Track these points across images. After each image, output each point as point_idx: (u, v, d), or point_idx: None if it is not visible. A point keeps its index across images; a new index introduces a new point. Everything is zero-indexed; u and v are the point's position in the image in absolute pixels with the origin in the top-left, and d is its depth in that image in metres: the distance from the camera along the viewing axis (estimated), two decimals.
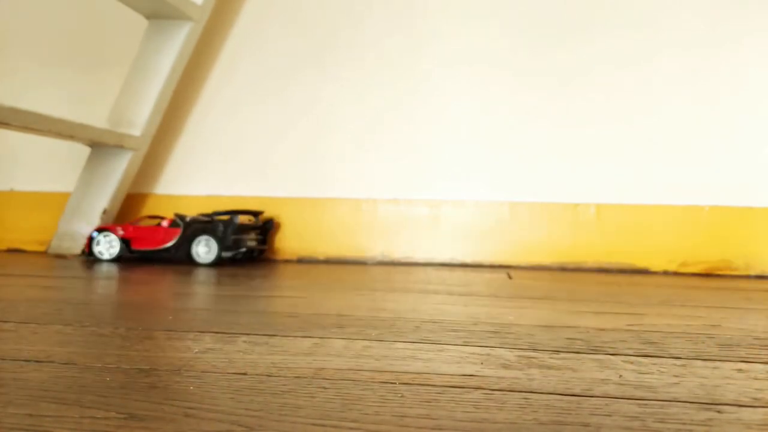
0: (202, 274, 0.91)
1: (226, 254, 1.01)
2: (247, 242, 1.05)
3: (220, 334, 0.48)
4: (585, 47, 1.11)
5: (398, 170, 1.17)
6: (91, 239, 1.05)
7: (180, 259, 1.03)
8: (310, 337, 0.48)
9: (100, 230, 1.05)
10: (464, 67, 1.15)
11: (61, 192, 1.22)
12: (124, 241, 1.04)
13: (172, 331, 0.50)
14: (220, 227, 1.01)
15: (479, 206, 1.14)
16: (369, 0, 1.18)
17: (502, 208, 1.13)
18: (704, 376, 0.38)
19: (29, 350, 0.43)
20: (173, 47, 1.11)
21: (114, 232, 1.04)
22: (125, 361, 0.40)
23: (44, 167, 1.26)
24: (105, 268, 0.95)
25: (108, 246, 1.04)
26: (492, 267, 1.11)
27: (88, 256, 1.06)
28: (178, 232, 1.03)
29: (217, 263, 1.01)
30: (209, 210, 1.21)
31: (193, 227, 1.02)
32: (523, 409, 0.32)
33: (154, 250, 1.04)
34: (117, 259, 1.04)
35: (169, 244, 1.03)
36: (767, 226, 1.06)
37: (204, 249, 1.01)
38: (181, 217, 1.04)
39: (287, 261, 1.17)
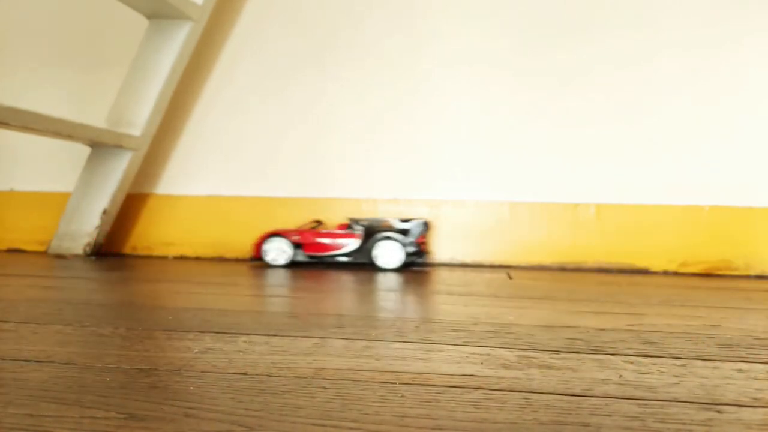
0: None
1: (410, 259, 0.99)
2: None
3: (220, 334, 0.48)
4: (585, 47, 1.11)
5: (398, 170, 1.17)
6: (262, 244, 1.03)
7: (359, 263, 1.02)
8: (310, 337, 0.48)
9: (272, 235, 1.03)
10: (464, 67, 1.15)
11: (61, 192, 1.22)
12: (298, 246, 1.02)
13: (172, 331, 0.49)
14: (406, 232, 1.00)
15: (479, 206, 1.14)
16: (369, 0, 1.18)
17: (502, 208, 1.13)
18: (704, 376, 0.38)
19: (29, 350, 0.43)
20: (173, 47, 1.11)
21: (288, 236, 1.02)
22: (125, 361, 0.40)
23: (44, 167, 1.26)
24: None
25: (281, 251, 1.02)
26: (492, 267, 1.11)
27: (257, 261, 1.04)
28: (356, 237, 1.01)
29: (399, 268, 1.00)
30: (208, 209, 1.21)
31: (376, 231, 1.01)
32: (523, 409, 0.32)
33: (331, 254, 1.02)
34: (289, 265, 1.02)
35: (348, 248, 1.01)
36: (767, 226, 1.06)
37: (388, 254, 0.99)
38: (357, 221, 1.03)
39: None
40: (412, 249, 0.99)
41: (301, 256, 1.02)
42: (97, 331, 0.49)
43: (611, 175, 1.11)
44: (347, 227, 1.03)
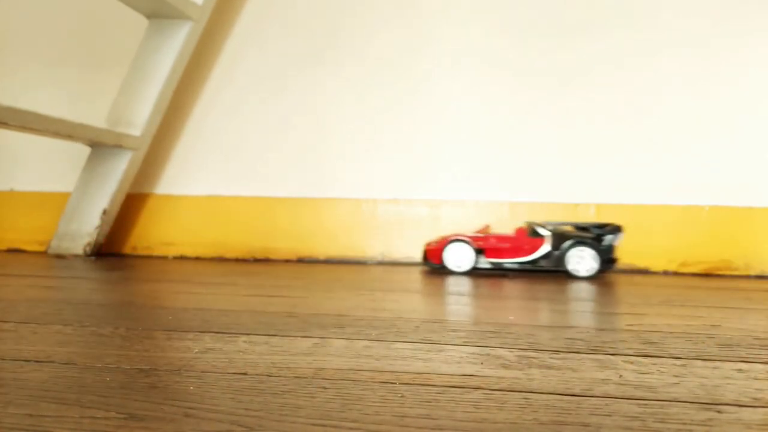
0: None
1: (605, 267, 0.93)
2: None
3: (220, 334, 0.48)
4: (585, 47, 1.11)
5: (398, 170, 1.17)
6: (442, 249, 0.97)
7: (548, 271, 0.97)
8: (310, 337, 0.48)
9: (453, 240, 0.97)
10: (464, 66, 1.15)
11: (61, 192, 1.22)
12: (479, 252, 0.97)
13: (172, 331, 0.49)
14: (602, 238, 0.94)
15: (479, 206, 1.14)
16: (369, 0, 1.18)
17: (502, 208, 1.13)
18: (704, 376, 0.38)
19: (29, 350, 0.43)
20: (173, 47, 1.11)
21: (471, 241, 0.97)
22: (125, 361, 0.40)
23: (44, 167, 1.26)
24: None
25: (463, 257, 0.97)
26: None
27: (438, 267, 0.98)
28: (542, 242, 0.95)
29: (592, 277, 0.94)
30: (208, 209, 1.21)
31: (569, 237, 0.94)
32: (523, 409, 0.32)
33: (517, 261, 0.96)
34: (470, 272, 0.97)
35: (536, 255, 0.96)
36: (767, 226, 1.06)
37: (583, 261, 0.94)
38: (541, 226, 0.97)
39: (287, 261, 1.17)
40: (607, 256, 0.93)
41: (484, 263, 0.97)
42: (97, 331, 0.49)
43: (611, 175, 1.11)
44: (530, 232, 0.97)
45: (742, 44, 1.07)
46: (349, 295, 0.72)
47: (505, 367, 0.40)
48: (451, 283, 0.86)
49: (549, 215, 1.11)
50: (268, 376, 0.37)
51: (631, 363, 0.41)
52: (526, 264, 0.96)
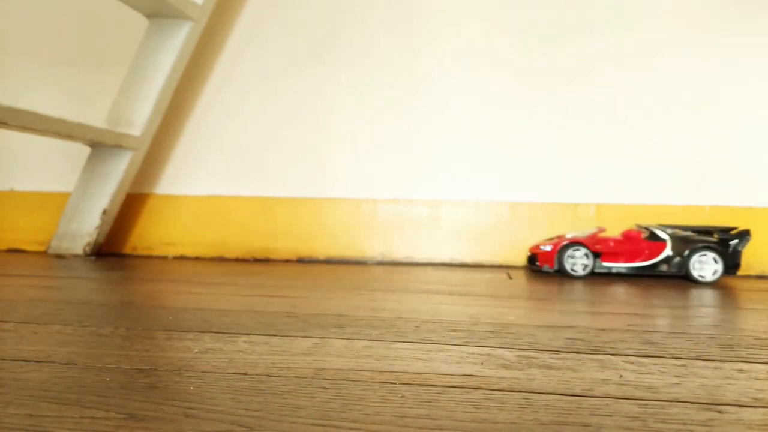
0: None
1: (729, 272, 0.91)
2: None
3: (220, 334, 0.48)
4: (585, 47, 1.11)
5: (398, 170, 1.17)
6: (561, 252, 0.94)
7: (670, 276, 0.95)
8: (310, 337, 0.48)
9: (571, 243, 0.94)
10: (464, 66, 1.15)
11: (61, 192, 1.22)
12: (596, 255, 0.94)
13: (172, 331, 0.49)
14: (728, 243, 0.91)
15: (479, 206, 1.14)
16: (369, 0, 1.18)
17: (502, 208, 1.13)
18: (705, 377, 0.38)
19: (29, 350, 0.43)
20: (173, 47, 1.11)
21: (588, 245, 0.94)
22: (125, 361, 0.40)
23: (44, 167, 1.26)
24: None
25: (581, 261, 0.94)
26: (492, 267, 1.11)
27: (557, 271, 0.96)
28: (663, 246, 0.93)
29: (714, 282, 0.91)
30: (208, 209, 1.21)
31: (692, 242, 0.92)
32: (524, 409, 0.32)
33: (637, 266, 0.94)
34: (588, 276, 0.95)
35: (657, 259, 0.93)
36: (767, 226, 1.06)
37: (708, 267, 0.91)
38: (659, 229, 0.94)
39: (287, 261, 1.17)
40: (732, 261, 0.90)
41: (602, 267, 0.94)
42: (97, 331, 0.49)
43: (611, 175, 1.11)
44: (650, 235, 0.94)
45: (742, 44, 1.07)
46: (349, 295, 0.72)
47: (505, 367, 0.40)
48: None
49: (549, 215, 1.11)
50: (268, 376, 0.37)
51: (632, 363, 0.41)
52: (646, 269, 0.94)
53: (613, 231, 1.02)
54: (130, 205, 1.22)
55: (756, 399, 0.34)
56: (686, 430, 0.29)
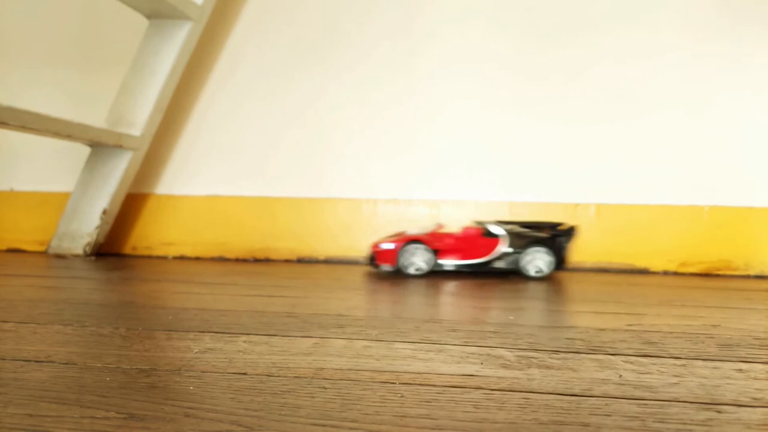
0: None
1: (559, 267, 0.93)
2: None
3: (220, 334, 0.48)
4: (585, 47, 1.11)
5: (398, 170, 1.17)
6: (398, 250, 0.93)
7: (505, 272, 0.95)
8: (310, 337, 0.48)
9: (409, 241, 0.93)
10: (464, 66, 1.15)
11: (61, 192, 1.22)
12: (435, 253, 0.93)
13: (172, 331, 0.49)
14: (557, 239, 0.93)
15: (479, 206, 1.14)
16: (369, 0, 1.18)
17: (502, 208, 1.13)
18: (704, 376, 0.38)
19: (29, 350, 0.43)
20: (173, 47, 1.11)
21: (427, 242, 0.93)
22: (125, 361, 0.40)
23: (44, 167, 1.26)
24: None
25: (421, 259, 0.93)
26: None
27: (385, 269, 0.94)
28: (498, 243, 0.93)
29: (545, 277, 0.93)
30: (208, 209, 1.21)
31: (525, 237, 0.93)
32: (523, 409, 0.32)
33: (474, 263, 0.93)
34: (426, 275, 0.94)
35: (493, 255, 0.93)
36: (767, 226, 1.06)
37: (541, 262, 0.93)
38: (494, 225, 0.95)
39: (287, 261, 1.17)
40: (561, 256, 0.93)
41: (440, 265, 0.94)
42: (97, 331, 0.49)
43: (611, 175, 1.11)
44: (485, 232, 0.95)
45: (742, 44, 1.07)
46: (349, 295, 0.72)
47: (505, 367, 0.40)
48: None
49: (549, 215, 1.11)
50: (268, 376, 0.37)
51: (631, 363, 0.41)
52: (482, 266, 0.94)
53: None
54: (130, 205, 1.22)
55: (755, 399, 0.34)
56: (685, 430, 0.29)
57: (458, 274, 0.96)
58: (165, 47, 1.11)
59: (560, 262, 0.94)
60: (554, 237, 0.94)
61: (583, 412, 0.31)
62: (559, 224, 0.97)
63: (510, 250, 0.93)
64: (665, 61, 1.09)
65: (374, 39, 1.18)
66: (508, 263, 0.94)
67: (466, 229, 0.96)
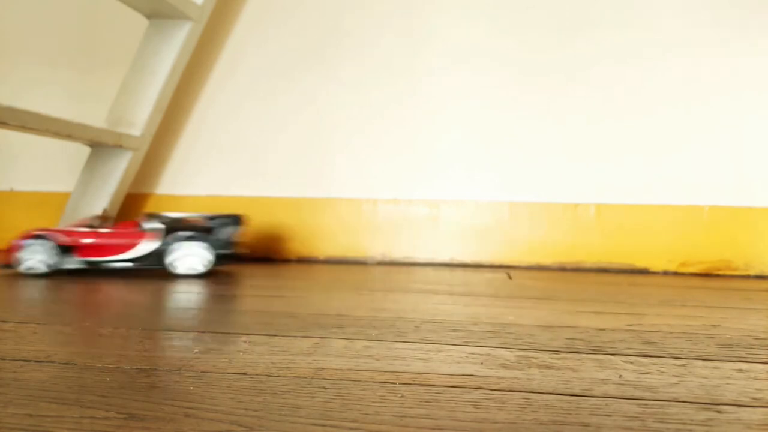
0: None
1: (220, 263, 0.87)
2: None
3: (219, 334, 0.48)
4: (585, 47, 1.11)
5: (398, 170, 1.17)
6: (18, 247, 0.85)
7: (151, 269, 0.87)
8: (310, 337, 0.48)
9: (33, 236, 0.85)
10: (464, 66, 1.15)
11: (61, 192, 1.22)
12: (67, 250, 0.84)
13: (172, 331, 0.50)
14: (221, 230, 0.87)
15: (479, 206, 1.14)
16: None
17: (502, 208, 1.13)
18: (704, 376, 0.38)
19: (29, 350, 0.43)
20: (173, 47, 1.11)
21: (53, 238, 0.84)
22: (125, 361, 0.40)
23: (44, 167, 1.26)
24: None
25: (42, 257, 0.84)
26: (492, 267, 1.11)
27: (7, 268, 0.85)
28: (148, 237, 0.85)
29: (204, 274, 0.87)
30: (208, 210, 1.21)
31: (178, 230, 0.86)
32: (523, 409, 0.32)
33: (112, 259, 0.85)
34: (54, 273, 0.85)
35: (138, 251, 0.85)
36: (767, 226, 1.06)
37: (190, 257, 0.85)
38: (154, 217, 0.87)
39: (287, 261, 1.17)
40: (223, 250, 0.85)
41: (73, 263, 0.85)
42: (97, 331, 0.49)
43: (611, 175, 1.11)
44: (139, 224, 0.87)
45: (742, 44, 1.07)
46: (349, 295, 0.72)
47: (505, 367, 0.40)
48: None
49: (549, 215, 1.11)
50: (268, 376, 0.37)
51: (631, 363, 0.41)
52: (123, 263, 0.85)
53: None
54: (130, 205, 1.22)
55: (755, 399, 0.34)
56: (685, 430, 0.29)
57: (100, 273, 0.88)
58: (165, 47, 1.11)
59: (223, 256, 0.86)
60: (212, 229, 0.87)
61: (583, 412, 0.31)
62: (225, 216, 0.89)
63: (156, 246, 0.85)
64: (665, 61, 1.09)
65: (374, 39, 1.17)
66: (153, 261, 0.85)
67: (125, 222, 0.90)
